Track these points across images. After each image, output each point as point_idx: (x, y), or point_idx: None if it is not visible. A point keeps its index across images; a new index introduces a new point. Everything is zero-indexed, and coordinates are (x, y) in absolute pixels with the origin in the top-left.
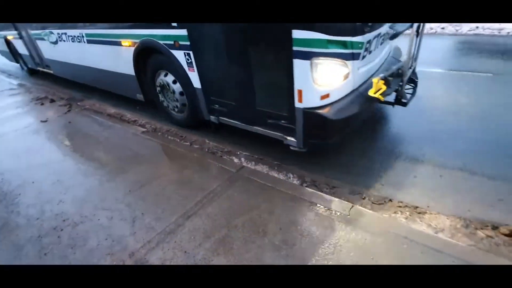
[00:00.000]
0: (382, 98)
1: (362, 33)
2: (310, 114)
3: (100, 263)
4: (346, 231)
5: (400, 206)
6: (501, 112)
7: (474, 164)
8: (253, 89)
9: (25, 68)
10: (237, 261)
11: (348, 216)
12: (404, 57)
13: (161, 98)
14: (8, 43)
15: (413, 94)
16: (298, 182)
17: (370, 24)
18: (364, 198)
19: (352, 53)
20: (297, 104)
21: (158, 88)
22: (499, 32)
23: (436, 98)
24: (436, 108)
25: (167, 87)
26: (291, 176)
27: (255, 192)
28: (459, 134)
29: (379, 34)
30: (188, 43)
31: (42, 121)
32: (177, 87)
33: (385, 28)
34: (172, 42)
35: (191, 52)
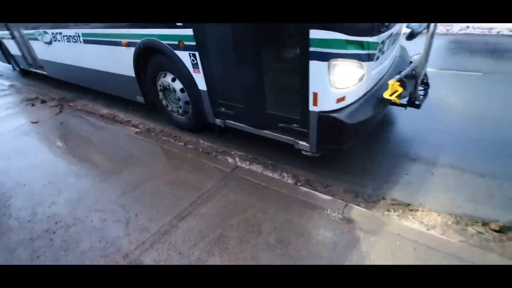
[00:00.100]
0: (398, 101)
1: (379, 33)
2: (325, 118)
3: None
4: (340, 229)
5: (393, 204)
6: (491, 110)
7: (465, 162)
8: (264, 91)
9: (17, 69)
10: (232, 261)
11: (342, 215)
12: (414, 57)
13: (162, 100)
14: None
15: (424, 95)
16: (292, 181)
17: (386, 24)
18: (357, 197)
19: (368, 54)
20: (312, 108)
21: (159, 90)
22: (489, 32)
23: (428, 97)
24: (426, 107)
25: (170, 89)
26: (286, 175)
27: (249, 191)
28: (449, 132)
29: (391, 34)
30: (193, 43)
31: (33, 122)
32: (180, 89)
33: (396, 28)
34: (176, 42)
35: (196, 53)
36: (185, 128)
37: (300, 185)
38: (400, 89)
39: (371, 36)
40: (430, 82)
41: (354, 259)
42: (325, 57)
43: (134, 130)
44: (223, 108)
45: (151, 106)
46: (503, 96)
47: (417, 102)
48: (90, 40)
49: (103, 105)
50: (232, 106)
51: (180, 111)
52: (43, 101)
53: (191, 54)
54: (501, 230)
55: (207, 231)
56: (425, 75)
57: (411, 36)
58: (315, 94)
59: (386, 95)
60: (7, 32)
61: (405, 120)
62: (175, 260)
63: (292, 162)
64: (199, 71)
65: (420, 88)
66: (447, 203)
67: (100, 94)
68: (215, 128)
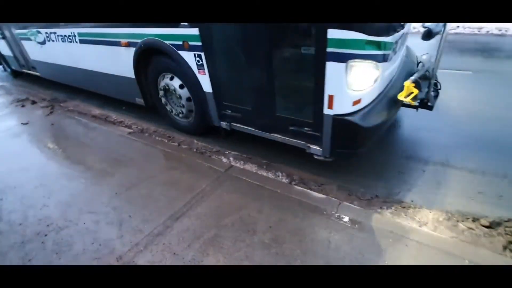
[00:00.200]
0: (413, 103)
1: (394, 32)
2: (341, 121)
3: None
4: (334, 227)
5: (385, 202)
6: (480, 108)
7: (455, 159)
8: (274, 94)
9: (8, 70)
10: (227, 261)
11: (336, 213)
12: (423, 57)
13: (164, 102)
14: None
15: (435, 96)
16: (287, 180)
17: (402, 24)
18: (351, 195)
19: (384, 55)
20: (326, 111)
21: (161, 92)
22: (478, 31)
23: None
24: None
25: (172, 91)
26: (280, 174)
27: (244, 191)
28: (438, 129)
29: (403, 33)
30: (199, 43)
31: (23, 124)
32: (183, 91)
33: (407, 28)
34: (180, 43)
35: (202, 54)
36: (188, 131)
37: (295, 184)
38: (416, 91)
39: (387, 36)
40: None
41: (348, 257)
42: (343, 58)
43: (127, 131)
44: (229, 111)
45: (151, 109)
46: (492, 94)
47: (429, 104)
48: (86, 40)
49: (95, 105)
50: (239, 109)
51: (183, 113)
52: (34, 102)
53: (196, 55)
54: (491, 226)
55: (201, 231)
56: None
57: (428, 35)
58: (330, 97)
59: (401, 97)
60: None
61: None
62: (169, 261)
63: (287, 161)
64: (204, 72)
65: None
66: (439, 200)
67: (92, 95)
68: (220, 131)
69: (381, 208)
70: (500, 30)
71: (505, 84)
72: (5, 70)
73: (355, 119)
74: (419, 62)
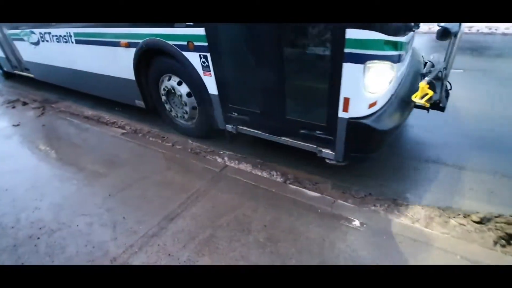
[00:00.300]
0: (427, 105)
1: (409, 32)
2: (356, 124)
3: None
4: (329, 225)
5: (379, 199)
6: (470, 106)
7: (446, 156)
8: (284, 96)
9: (0, 71)
10: (222, 261)
11: (331, 211)
12: (431, 57)
13: (166, 105)
14: None
15: (446, 97)
16: (281, 179)
17: (418, 23)
18: (345, 193)
19: (399, 55)
20: (341, 114)
21: (163, 94)
22: (469, 30)
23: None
24: None
25: (175, 93)
26: (275, 173)
27: (239, 191)
28: (428, 128)
29: (412, 34)
30: (205, 44)
31: (14, 125)
32: (187, 93)
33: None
34: (185, 43)
35: (208, 54)
36: (190, 134)
37: (289, 183)
38: (431, 92)
39: (403, 36)
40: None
41: (342, 254)
42: (361, 59)
43: (121, 132)
44: (235, 114)
45: (151, 111)
46: (482, 92)
47: (441, 105)
48: (83, 40)
49: (87, 106)
50: (247, 112)
51: (186, 116)
52: (25, 103)
53: (201, 56)
54: (482, 221)
55: (196, 231)
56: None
57: (445, 35)
58: (346, 100)
59: (416, 98)
60: None
61: None
62: (164, 262)
63: (281, 160)
64: (210, 74)
65: None
66: (431, 197)
67: (84, 95)
68: (225, 134)
69: (374, 205)
70: (490, 28)
71: (495, 82)
72: None
73: (371, 122)
74: (426, 62)
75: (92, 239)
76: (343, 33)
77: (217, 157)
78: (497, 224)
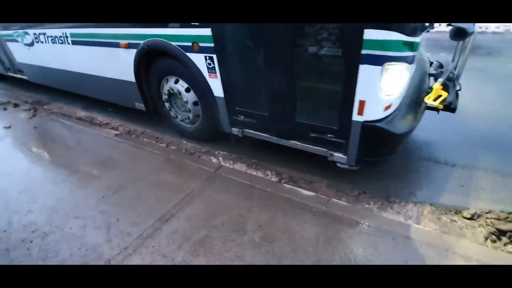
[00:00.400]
0: (441, 106)
1: (423, 32)
2: (371, 128)
3: None
4: (323, 224)
5: (372, 197)
6: (460, 104)
7: (437, 153)
8: (295, 99)
9: None
10: (217, 261)
11: (325, 209)
12: (441, 57)
13: (167, 107)
14: None
15: (456, 97)
16: (276, 179)
17: (433, 24)
18: (339, 191)
19: (413, 56)
20: (356, 117)
21: (165, 97)
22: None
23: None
24: None
25: (178, 95)
26: (269, 173)
27: (234, 191)
28: (422, 126)
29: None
30: (211, 45)
31: (5, 127)
32: (190, 95)
33: None
34: (189, 44)
35: (214, 56)
36: (193, 137)
37: (284, 183)
38: (445, 94)
39: (418, 36)
40: None
41: (337, 252)
42: (379, 61)
43: (114, 133)
44: (242, 117)
45: (152, 114)
46: (472, 91)
47: (452, 106)
48: (80, 41)
49: (80, 107)
50: (254, 115)
51: (189, 119)
52: (16, 105)
53: (207, 57)
54: (473, 218)
55: (191, 232)
56: None
57: (461, 35)
58: (361, 103)
59: (429, 100)
60: None
61: None
62: (159, 263)
63: (276, 160)
64: (216, 76)
65: None
66: (423, 194)
67: (76, 97)
68: (231, 138)
69: (368, 203)
70: (480, 27)
71: (486, 81)
72: None
73: (387, 125)
74: (432, 62)
75: (86, 242)
76: (361, 33)
77: (212, 157)
78: (488, 220)
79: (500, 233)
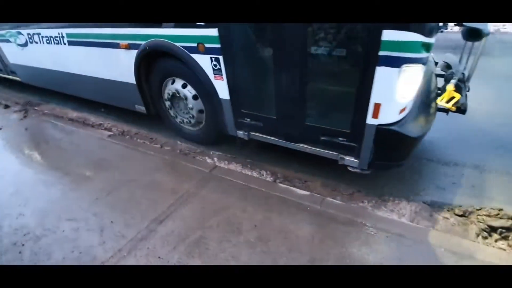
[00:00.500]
0: (454, 108)
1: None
2: (386, 131)
3: None
4: (318, 223)
5: (367, 196)
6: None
7: (429, 152)
8: (304, 101)
9: None
10: (212, 262)
11: (320, 208)
12: (448, 57)
13: (170, 110)
14: None
15: (465, 99)
16: (271, 178)
17: (446, 24)
18: (334, 190)
19: (427, 57)
20: (370, 120)
21: (167, 99)
22: (451, 29)
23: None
24: None
25: (180, 97)
26: (264, 173)
27: (229, 191)
28: None
29: None
30: (217, 45)
31: None
32: (194, 97)
33: None
34: (194, 45)
35: (220, 57)
36: (196, 140)
37: (279, 182)
38: (458, 95)
39: (434, 37)
40: None
41: (331, 251)
42: (397, 63)
43: (107, 134)
44: (248, 119)
45: (153, 116)
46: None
47: (462, 107)
48: (77, 42)
49: (72, 108)
50: (261, 117)
51: (192, 122)
52: (7, 106)
53: (213, 58)
54: (464, 215)
55: (186, 233)
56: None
57: (476, 36)
58: (377, 106)
59: (442, 102)
60: None
61: None
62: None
63: (271, 160)
64: (222, 77)
65: None
66: (415, 192)
67: (68, 97)
68: (236, 141)
69: (362, 202)
70: None
71: (477, 80)
72: None
73: (402, 129)
74: (437, 62)
75: (79, 245)
76: (379, 34)
77: (206, 157)
78: (479, 217)
79: (491, 230)
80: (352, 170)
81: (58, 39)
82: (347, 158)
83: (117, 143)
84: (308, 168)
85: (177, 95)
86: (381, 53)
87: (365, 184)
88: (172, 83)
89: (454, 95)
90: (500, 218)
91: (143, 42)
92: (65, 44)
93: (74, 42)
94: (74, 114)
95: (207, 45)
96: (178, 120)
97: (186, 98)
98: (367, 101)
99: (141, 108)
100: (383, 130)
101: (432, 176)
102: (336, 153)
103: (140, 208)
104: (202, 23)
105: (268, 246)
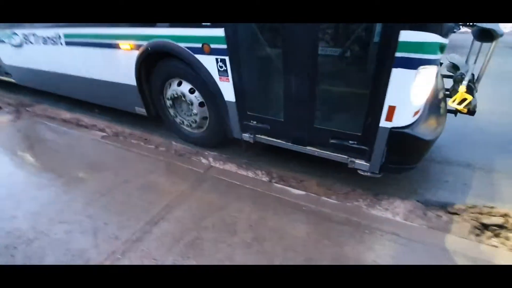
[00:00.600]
0: (465, 110)
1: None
2: (399, 134)
3: None
4: (314, 222)
5: (361, 194)
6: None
7: None
8: (314, 103)
9: None
10: (208, 263)
11: (315, 208)
12: (454, 58)
13: (172, 112)
14: None
15: None
16: (266, 178)
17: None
18: (329, 189)
19: (440, 58)
20: (383, 123)
21: (169, 101)
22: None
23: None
24: None
25: (183, 99)
26: (260, 173)
27: (224, 191)
28: None
29: None
30: (224, 46)
31: None
32: (197, 99)
33: None
34: (199, 46)
35: (226, 58)
36: (199, 143)
37: (274, 182)
38: (470, 97)
39: (448, 37)
40: None
41: (327, 250)
42: (415, 64)
43: (101, 135)
44: (254, 122)
45: (154, 118)
46: None
47: (472, 109)
48: (74, 42)
49: (65, 109)
50: (268, 120)
51: (195, 124)
52: None
53: (219, 60)
54: (457, 212)
55: (181, 234)
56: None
57: (488, 37)
58: (391, 108)
59: (453, 103)
60: None
61: None
62: None
63: (266, 160)
64: (228, 79)
65: None
66: (409, 190)
67: (61, 98)
68: (242, 144)
69: (357, 201)
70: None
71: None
72: None
73: (415, 131)
74: (441, 63)
75: (72, 247)
76: (397, 35)
77: (201, 158)
78: (472, 215)
79: (484, 227)
80: (362, 173)
81: (55, 39)
82: (357, 161)
83: (111, 144)
84: (303, 168)
85: (183, 98)
86: (398, 54)
87: (360, 183)
88: (175, 84)
89: (466, 97)
90: (492, 215)
91: (144, 43)
92: (62, 44)
93: (71, 42)
94: (67, 115)
95: (212, 46)
96: (180, 122)
97: (191, 103)
98: (381, 103)
99: (141, 111)
100: (396, 133)
101: (425, 175)
102: (346, 157)
103: (135, 209)
104: (208, 23)
105: (264, 246)
